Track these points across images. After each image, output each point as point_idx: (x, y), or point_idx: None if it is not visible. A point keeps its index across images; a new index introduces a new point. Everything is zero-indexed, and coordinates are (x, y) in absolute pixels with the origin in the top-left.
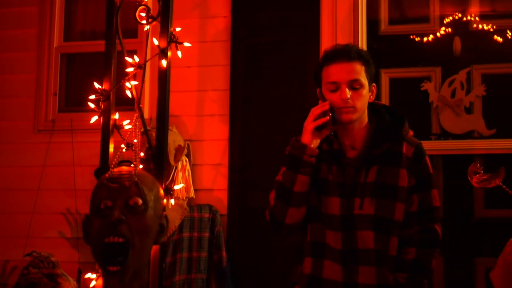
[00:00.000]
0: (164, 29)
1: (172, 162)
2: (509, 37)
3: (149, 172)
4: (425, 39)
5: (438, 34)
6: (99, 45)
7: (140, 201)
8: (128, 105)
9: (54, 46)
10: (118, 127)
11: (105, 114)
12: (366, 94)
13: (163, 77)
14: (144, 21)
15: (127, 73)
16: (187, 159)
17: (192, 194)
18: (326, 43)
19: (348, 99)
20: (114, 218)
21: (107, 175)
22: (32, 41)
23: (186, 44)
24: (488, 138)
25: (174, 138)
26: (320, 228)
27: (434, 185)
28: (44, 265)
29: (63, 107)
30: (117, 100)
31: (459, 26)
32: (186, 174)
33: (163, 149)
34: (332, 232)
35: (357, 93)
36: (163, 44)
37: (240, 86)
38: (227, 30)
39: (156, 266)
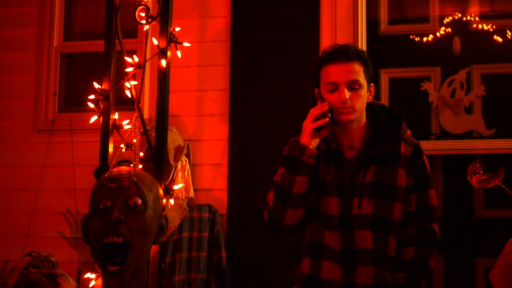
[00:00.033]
0: (164, 29)
1: (171, 162)
2: (509, 37)
3: (148, 172)
4: (424, 39)
5: (437, 34)
6: (98, 45)
7: (140, 201)
8: (128, 105)
9: (54, 46)
10: (117, 127)
11: (105, 114)
12: (365, 94)
13: (163, 77)
14: (143, 21)
15: (127, 73)
16: (186, 159)
17: (191, 194)
18: (325, 43)
19: (347, 99)
20: (114, 218)
21: (106, 175)
22: (32, 41)
23: (186, 44)
24: (487, 138)
25: (174, 138)
26: (318, 228)
27: (432, 184)
28: (44, 265)
29: (63, 107)
30: (117, 100)
31: (459, 26)
32: (186, 174)
33: (162, 149)
34: (331, 232)
35: (356, 94)
36: (163, 44)
37: (240, 86)
38: (227, 30)
39: (156, 266)
